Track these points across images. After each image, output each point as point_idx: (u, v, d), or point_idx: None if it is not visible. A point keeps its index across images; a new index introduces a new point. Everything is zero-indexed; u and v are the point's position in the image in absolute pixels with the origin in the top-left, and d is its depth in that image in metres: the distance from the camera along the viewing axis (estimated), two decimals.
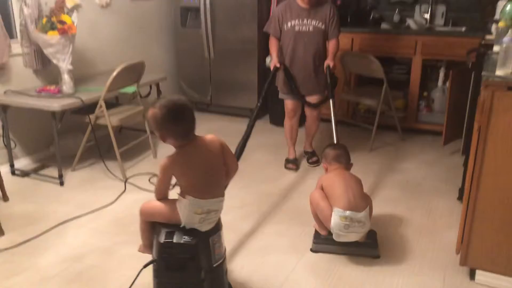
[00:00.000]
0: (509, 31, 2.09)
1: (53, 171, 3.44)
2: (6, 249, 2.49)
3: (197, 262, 1.83)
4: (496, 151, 2.03)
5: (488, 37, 3.36)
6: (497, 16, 3.47)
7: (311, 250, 2.48)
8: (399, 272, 2.31)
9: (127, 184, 3.28)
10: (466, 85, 3.52)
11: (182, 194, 1.85)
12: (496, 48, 2.78)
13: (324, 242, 2.48)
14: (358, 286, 2.21)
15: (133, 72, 3.45)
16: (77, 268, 2.33)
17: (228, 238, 2.51)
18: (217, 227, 1.93)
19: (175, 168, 1.83)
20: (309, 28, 3.31)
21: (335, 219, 2.31)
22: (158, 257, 1.85)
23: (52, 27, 3.15)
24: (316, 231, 2.54)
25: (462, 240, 2.21)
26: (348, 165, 2.61)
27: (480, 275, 2.22)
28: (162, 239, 1.83)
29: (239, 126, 4.58)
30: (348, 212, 2.29)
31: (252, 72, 4.72)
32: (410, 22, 4.39)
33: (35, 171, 3.49)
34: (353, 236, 2.36)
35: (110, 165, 3.47)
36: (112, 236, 2.64)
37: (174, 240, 1.81)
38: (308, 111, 3.57)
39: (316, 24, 3.31)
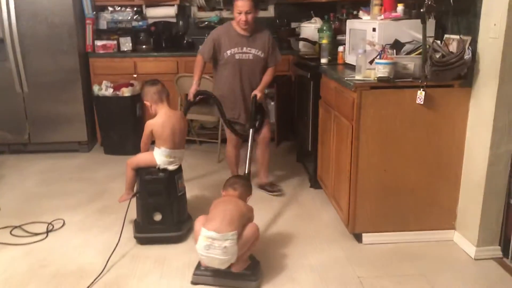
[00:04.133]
0: (366, 46, 2.72)
1: None
2: None
3: (167, 190, 2.77)
4: (367, 138, 2.62)
5: (302, 53, 4.08)
6: (303, 35, 4.24)
7: (191, 282, 2.40)
8: (308, 254, 2.70)
9: None
10: (289, 94, 4.20)
11: (158, 145, 2.79)
12: (323, 60, 3.48)
13: (203, 273, 2.39)
14: (282, 270, 2.52)
15: None
16: None
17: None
18: (179, 169, 2.87)
19: (155, 127, 2.76)
20: (249, 56, 3.29)
21: (200, 239, 2.27)
22: (142, 187, 2.78)
23: None
24: (199, 262, 2.43)
25: (349, 212, 2.75)
26: (242, 194, 2.52)
27: (366, 237, 2.80)
28: (145, 175, 2.77)
29: (70, 161, 4.35)
30: (210, 232, 2.24)
31: (77, 103, 4.47)
32: None
33: None
34: (216, 262, 2.27)
35: None
36: None
37: (153, 176, 2.76)
38: (259, 137, 3.45)
39: (256, 52, 3.29)
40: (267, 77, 3.37)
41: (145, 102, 2.84)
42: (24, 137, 4.49)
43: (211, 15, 5.10)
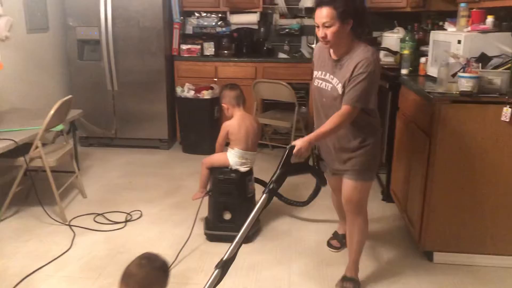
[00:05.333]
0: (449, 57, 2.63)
1: None
2: None
3: (237, 191, 2.89)
4: (445, 152, 2.53)
5: (382, 62, 4.00)
6: (384, 45, 4.17)
7: None
8: (376, 267, 2.66)
9: (72, 227, 3.05)
10: None
11: (232, 146, 2.93)
12: (403, 71, 3.40)
13: None
14: None
15: (63, 108, 3.24)
16: None
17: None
18: (250, 171, 2.99)
19: (231, 128, 2.91)
20: (328, 87, 2.29)
21: None
22: (215, 186, 2.91)
23: None
24: None
25: (421, 229, 2.67)
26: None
27: (437, 255, 2.70)
28: (218, 175, 2.90)
29: (151, 157, 4.60)
30: None
31: (161, 103, 4.73)
32: (303, 51, 4.94)
33: None
34: None
35: (36, 211, 3.20)
36: (94, 281, 2.46)
37: (225, 176, 2.89)
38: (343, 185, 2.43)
39: (336, 84, 2.24)
40: (326, 125, 2.18)
41: (222, 104, 2.98)
42: (112, 132, 4.83)
43: (293, 23, 5.15)
